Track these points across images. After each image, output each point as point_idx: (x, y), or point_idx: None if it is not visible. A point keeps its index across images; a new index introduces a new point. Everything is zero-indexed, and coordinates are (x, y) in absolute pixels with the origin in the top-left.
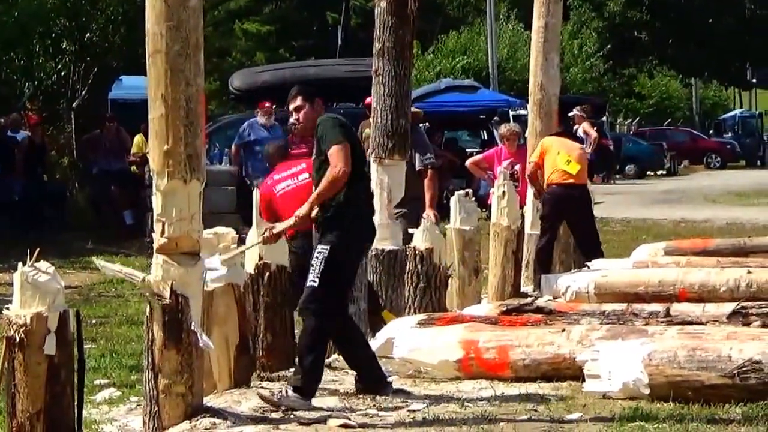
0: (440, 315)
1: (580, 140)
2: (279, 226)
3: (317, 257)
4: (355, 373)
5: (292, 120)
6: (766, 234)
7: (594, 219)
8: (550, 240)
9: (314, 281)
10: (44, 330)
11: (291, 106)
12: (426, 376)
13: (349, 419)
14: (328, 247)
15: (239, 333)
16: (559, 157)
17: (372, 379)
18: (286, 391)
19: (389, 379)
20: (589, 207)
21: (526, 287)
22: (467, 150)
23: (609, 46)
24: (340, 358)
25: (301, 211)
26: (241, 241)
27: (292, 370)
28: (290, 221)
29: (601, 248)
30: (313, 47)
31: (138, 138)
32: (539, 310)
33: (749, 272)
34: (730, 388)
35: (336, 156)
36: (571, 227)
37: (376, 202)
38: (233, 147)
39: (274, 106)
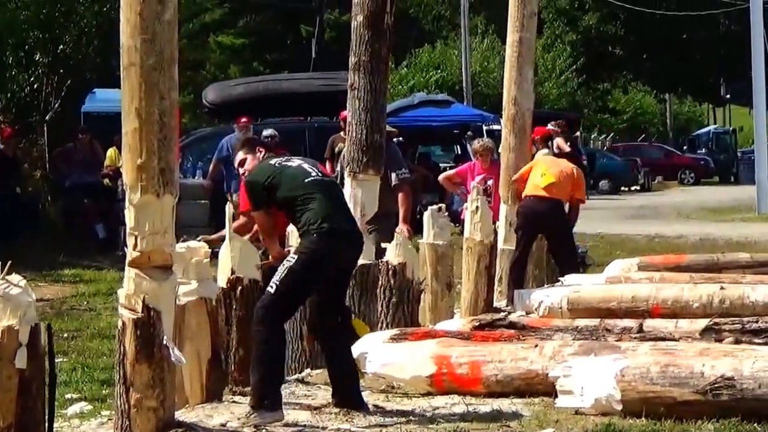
0: (413, 330)
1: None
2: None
3: (283, 265)
4: (331, 388)
5: (241, 173)
6: (739, 250)
7: (570, 234)
8: (523, 253)
9: (271, 287)
10: (15, 343)
11: (236, 162)
12: (398, 391)
13: None
14: (295, 257)
15: (211, 347)
16: (537, 171)
17: (349, 397)
18: (254, 414)
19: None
20: (562, 221)
21: (499, 302)
22: (440, 165)
23: (583, 60)
24: (313, 372)
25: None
26: (214, 256)
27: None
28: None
29: (577, 263)
30: (287, 60)
31: (111, 151)
32: (512, 325)
33: (722, 288)
34: (703, 405)
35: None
36: (547, 241)
37: None
38: (212, 162)
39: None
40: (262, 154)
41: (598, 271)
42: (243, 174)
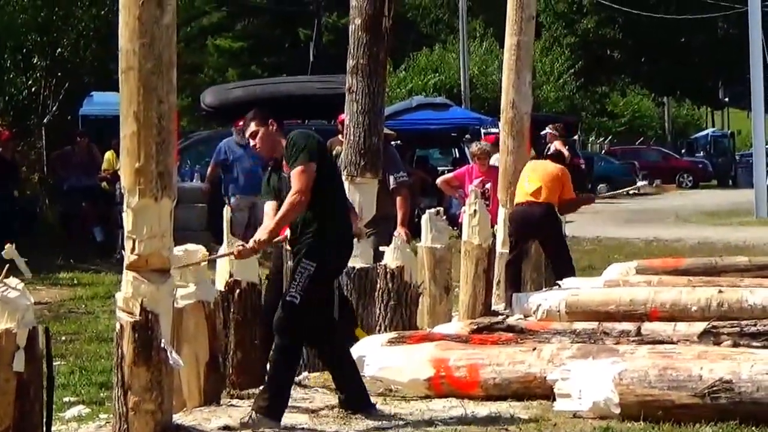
0: (411, 333)
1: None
2: (248, 246)
3: (300, 273)
4: (339, 392)
5: (251, 145)
6: (738, 253)
7: (563, 238)
8: (518, 256)
9: (295, 297)
10: (13, 347)
11: (247, 134)
12: (396, 394)
13: None
14: (315, 265)
15: (209, 350)
16: (524, 177)
17: (358, 401)
18: (255, 417)
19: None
20: (553, 225)
21: (497, 306)
22: (438, 168)
23: (581, 63)
24: (311, 376)
25: (262, 236)
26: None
27: (260, 388)
28: (251, 245)
29: (572, 267)
30: (285, 64)
31: (109, 154)
32: (510, 328)
33: (720, 291)
34: (701, 408)
35: (296, 179)
36: (541, 246)
37: None
38: (210, 165)
39: None
40: (274, 127)
41: (596, 275)
42: (254, 146)
